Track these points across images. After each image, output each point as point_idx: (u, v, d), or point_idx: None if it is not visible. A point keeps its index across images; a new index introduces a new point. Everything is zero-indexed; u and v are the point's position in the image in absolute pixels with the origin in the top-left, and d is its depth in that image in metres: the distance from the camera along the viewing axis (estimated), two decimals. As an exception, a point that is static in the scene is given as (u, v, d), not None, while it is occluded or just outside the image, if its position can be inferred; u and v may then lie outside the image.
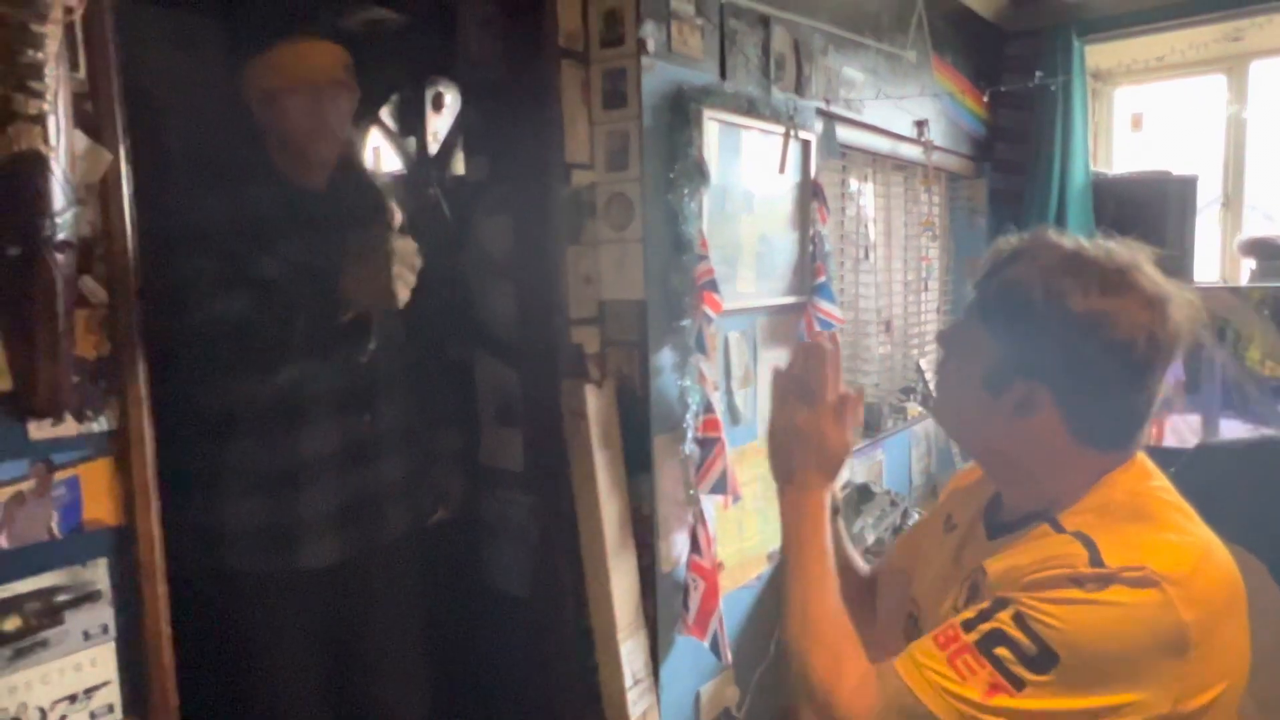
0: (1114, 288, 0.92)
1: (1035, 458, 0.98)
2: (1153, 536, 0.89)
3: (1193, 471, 1.55)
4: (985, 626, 0.88)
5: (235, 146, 1.68)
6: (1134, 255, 0.95)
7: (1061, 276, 0.93)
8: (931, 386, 3.24)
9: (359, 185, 1.78)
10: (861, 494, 2.84)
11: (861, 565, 1.32)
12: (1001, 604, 0.88)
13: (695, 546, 2.05)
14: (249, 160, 1.65)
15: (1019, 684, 0.86)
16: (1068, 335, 0.92)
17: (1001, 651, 0.86)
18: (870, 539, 2.70)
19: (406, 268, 1.47)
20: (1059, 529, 0.93)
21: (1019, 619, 0.86)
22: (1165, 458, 1.05)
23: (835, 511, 1.19)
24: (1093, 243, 0.97)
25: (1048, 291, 0.93)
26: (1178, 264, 3.47)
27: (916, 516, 2.86)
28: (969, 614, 0.90)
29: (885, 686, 0.92)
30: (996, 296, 0.98)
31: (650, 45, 1.90)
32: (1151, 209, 3.73)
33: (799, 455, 1.06)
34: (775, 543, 2.48)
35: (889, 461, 3.22)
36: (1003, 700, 0.86)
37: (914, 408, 3.48)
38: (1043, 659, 0.85)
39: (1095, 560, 0.87)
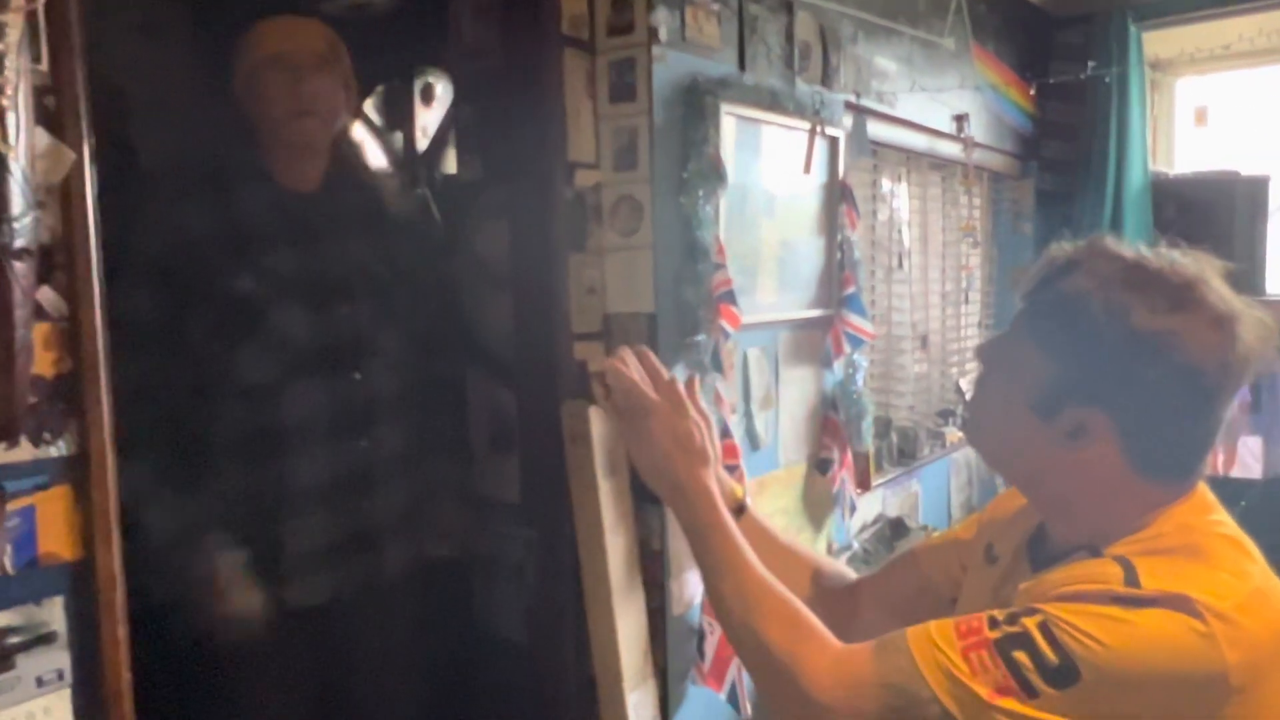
0: (1180, 305, 0.93)
1: (1086, 489, 0.98)
2: (1201, 570, 0.90)
3: (1265, 506, 1.55)
4: (1010, 628, 0.88)
5: (216, 144, 1.72)
6: (1200, 268, 0.96)
7: (1123, 290, 0.94)
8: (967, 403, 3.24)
9: (357, 186, 1.81)
10: (895, 529, 2.84)
11: (817, 565, 1.32)
12: (1029, 610, 0.89)
13: (710, 587, 2.06)
14: (232, 159, 1.68)
15: (1032, 692, 0.86)
16: (1129, 356, 0.92)
17: (1020, 656, 0.87)
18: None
19: None
20: (1099, 555, 0.94)
21: (1044, 627, 0.87)
22: (1233, 490, 1.06)
23: (739, 509, 1.22)
24: (1155, 253, 0.97)
25: (1108, 307, 0.93)
26: (1247, 276, 3.47)
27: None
28: (997, 612, 0.91)
29: (884, 658, 0.92)
30: (1049, 311, 0.99)
31: (662, 33, 1.92)
32: (1217, 213, 3.73)
33: (663, 456, 1.10)
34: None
35: (926, 493, 3.23)
36: (1010, 703, 0.86)
37: (953, 433, 3.48)
38: (1063, 673, 0.85)
39: (1131, 581, 0.88)
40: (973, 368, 3.95)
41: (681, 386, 1.16)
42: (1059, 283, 0.98)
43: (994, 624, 0.90)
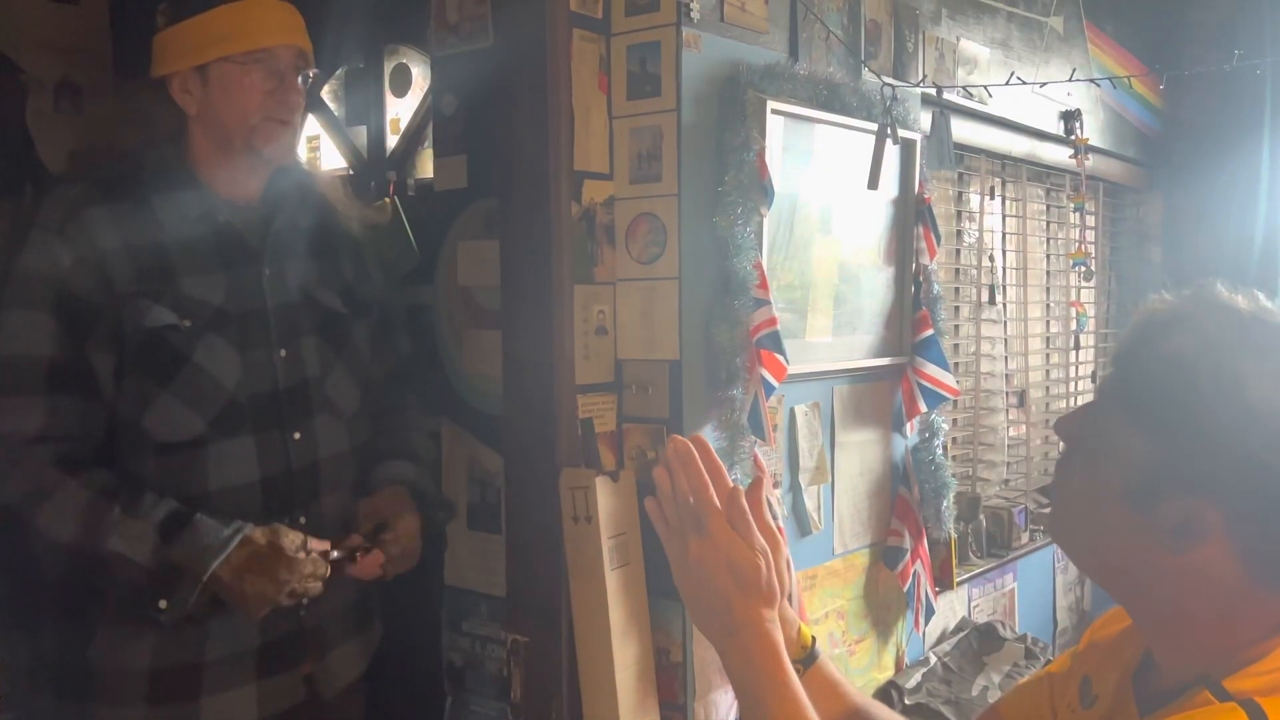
0: None
1: (1196, 602, 0.99)
2: None
3: None
4: None
5: (131, 137, 1.75)
6: None
7: (1237, 355, 0.95)
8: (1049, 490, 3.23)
9: (306, 195, 1.85)
10: (983, 639, 2.84)
11: None
12: None
13: (745, 709, 2.06)
14: (151, 157, 1.72)
15: None
16: (1245, 437, 0.93)
17: None
18: (995, 704, 2.69)
19: (298, 585, 1.62)
20: (1222, 696, 0.94)
21: None
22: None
23: (809, 658, 1.24)
24: (1277, 303, 0.99)
25: (1217, 375, 0.95)
26: None
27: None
28: None
29: None
30: (1147, 379, 1.00)
31: (695, 11, 1.96)
32: (1398, 239, 3.74)
33: (715, 595, 1.13)
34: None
35: (1024, 592, 3.22)
36: None
37: (1059, 516, 3.47)
38: None
39: None
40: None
41: (744, 498, 1.17)
42: (1159, 344, 1.00)
43: None
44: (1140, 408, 1.00)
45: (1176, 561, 0.98)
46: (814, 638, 1.28)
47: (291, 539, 1.63)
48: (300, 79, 1.78)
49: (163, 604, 1.59)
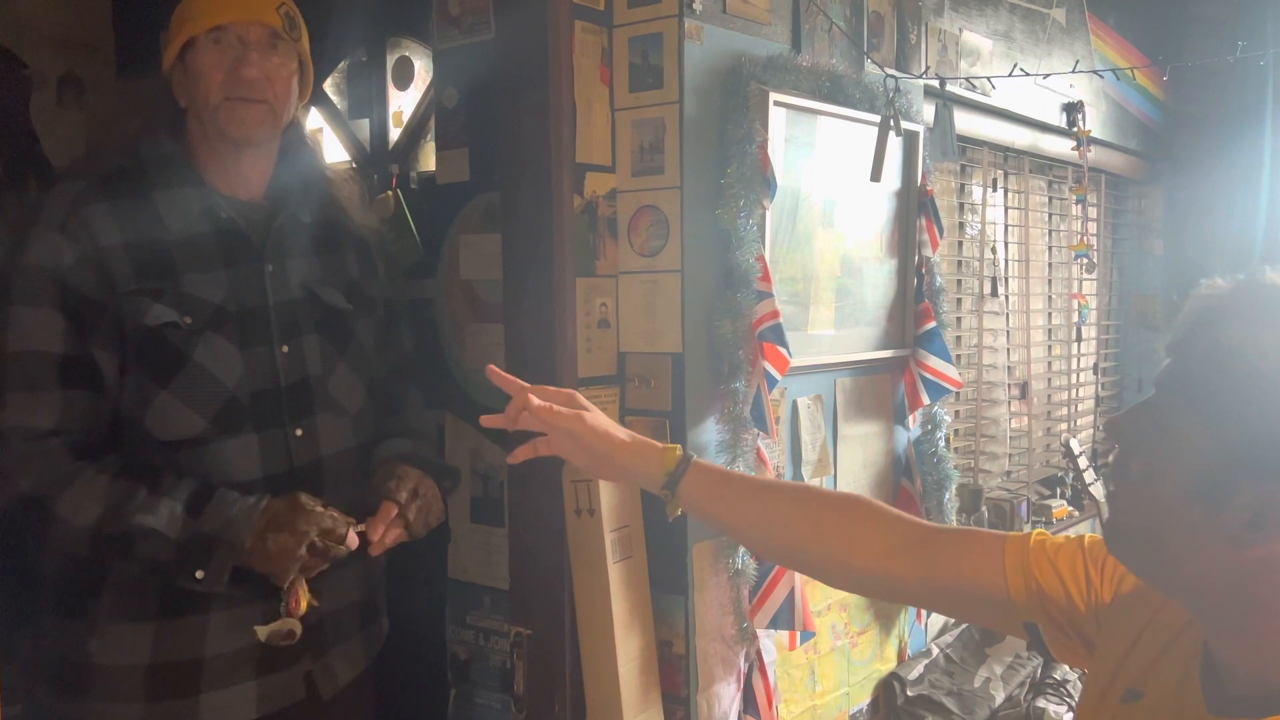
0: None
1: (1274, 599, 0.96)
2: None
3: None
4: None
5: (138, 135, 1.74)
6: None
7: None
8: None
9: (310, 190, 1.84)
10: (985, 631, 2.82)
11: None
12: None
13: (750, 702, 2.05)
14: (155, 155, 1.71)
15: None
16: None
17: None
18: (999, 697, 2.68)
19: (319, 539, 1.63)
20: None
21: None
22: None
23: (686, 461, 1.41)
24: None
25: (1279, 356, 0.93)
26: None
27: (1067, 669, 2.83)
28: None
29: None
30: (1208, 367, 0.98)
31: (697, 3, 1.95)
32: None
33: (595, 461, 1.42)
34: (864, 697, 2.47)
35: (1025, 584, 3.20)
36: None
37: (1060, 506, 3.47)
38: None
39: None
40: (1086, 423, 3.95)
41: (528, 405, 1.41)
42: (1215, 331, 0.98)
43: None
44: (1203, 396, 0.98)
45: (1255, 555, 0.95)
46: (681, 449, 1.42)
47: (309, 498, 1.65)
48: (281, 58, 1.73)
49: (199, 574, 1.59)
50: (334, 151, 2.96)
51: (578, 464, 1.45)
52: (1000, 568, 1.28)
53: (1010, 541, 1.31)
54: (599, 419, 1.42)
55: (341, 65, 2.94)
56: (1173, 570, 1.03)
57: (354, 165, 2.88)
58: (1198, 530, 0.97)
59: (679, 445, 1.42)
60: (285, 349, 1.74)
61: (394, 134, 2.82)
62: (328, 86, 2.94)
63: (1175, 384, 1.01)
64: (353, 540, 1.66)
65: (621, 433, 1.43)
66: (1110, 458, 1.23)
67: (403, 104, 2.81)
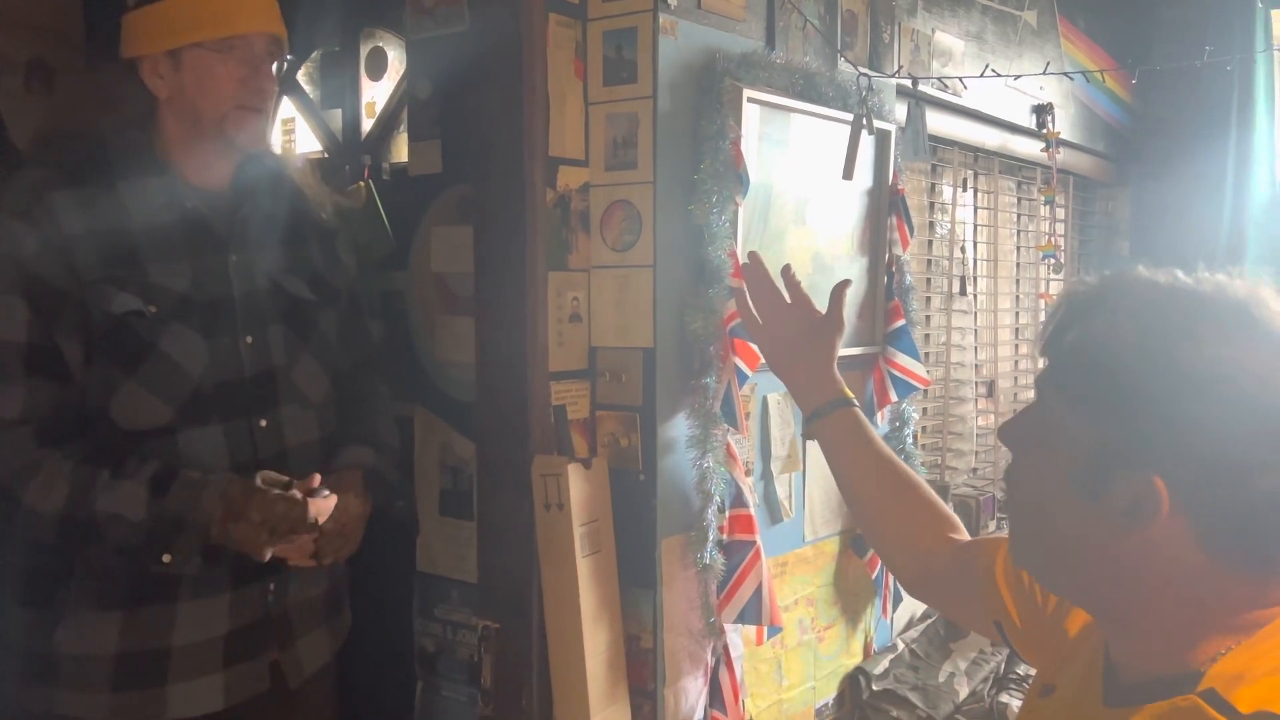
0: (1236, 330, 0.94)
1: (1157, 584, 0.97)
2: None
3: None
4: None
5: (104, 121, 1.73)
6: (1253, 287, 0.97)
7: (1161, 325, 0.95)
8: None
9: (278, 180, 1.83)
10: (951, 626, 2.84)
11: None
12: None
13: (716, 697, 2.05)
14: (120, 141, 1.70)
15: None
16: (1178, 401, 0.92)
17: None
18: (963, 692, 2.69)
19: (279, 523, 1.62)
20: (1229, 712, 0.89)
21: None
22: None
23: (846, 403, 1.62)
24: (1194, 276, 0.99)
25: (1144, 347, 0.94)
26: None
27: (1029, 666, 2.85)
28: None
29: None
30: (1077, 362, 1.00)
31: (672, -1, 1.95)
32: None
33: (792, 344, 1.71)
34: (830, 691, 2.47)
35: (990, 580, 3.22)
36: None
37: (1026, 505, 3.48)
38: None
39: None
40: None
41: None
42: (1082, 326, 1.00)
43: None
44: (1075, 391, 1.00)
45: (1133, 543, 0.96)
46: (850, 395, 1.62)
47: (270, 477, 1.65)
48: (274, 66, 1.76)
49: (166, 558, 1.59)
50: (306, 142, 2.94)
51: (770, 341, 1.78)
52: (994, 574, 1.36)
53: (999, 545, 1.36)
54: (836, 340, 1.70)
55: (315, 55, 2.92)
56: (1070, 573, 1.05)
57: (326, 155, 2.86)
58: (1085, 524, 0.99)
59: (851, 393, 1.63)
60: (250, 339, 1.73)
61: (366, 125, 2.80)
62: (300, 76, 2.92)
63: (1050, 382, 1.04)
64: (316, 510, 1.65)
65: (832, 359, 1.67)
66: (1004, 466, 1.26)
67: (376, 95, 2.79)
